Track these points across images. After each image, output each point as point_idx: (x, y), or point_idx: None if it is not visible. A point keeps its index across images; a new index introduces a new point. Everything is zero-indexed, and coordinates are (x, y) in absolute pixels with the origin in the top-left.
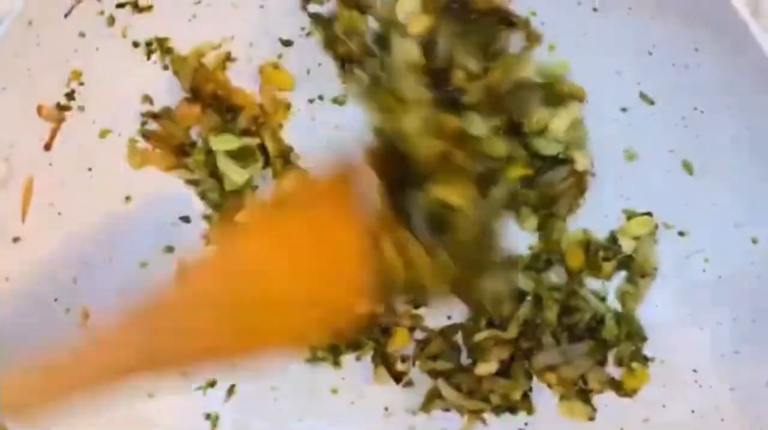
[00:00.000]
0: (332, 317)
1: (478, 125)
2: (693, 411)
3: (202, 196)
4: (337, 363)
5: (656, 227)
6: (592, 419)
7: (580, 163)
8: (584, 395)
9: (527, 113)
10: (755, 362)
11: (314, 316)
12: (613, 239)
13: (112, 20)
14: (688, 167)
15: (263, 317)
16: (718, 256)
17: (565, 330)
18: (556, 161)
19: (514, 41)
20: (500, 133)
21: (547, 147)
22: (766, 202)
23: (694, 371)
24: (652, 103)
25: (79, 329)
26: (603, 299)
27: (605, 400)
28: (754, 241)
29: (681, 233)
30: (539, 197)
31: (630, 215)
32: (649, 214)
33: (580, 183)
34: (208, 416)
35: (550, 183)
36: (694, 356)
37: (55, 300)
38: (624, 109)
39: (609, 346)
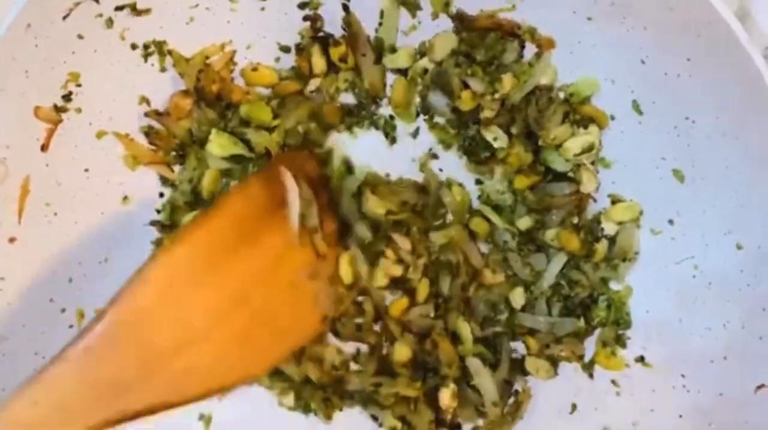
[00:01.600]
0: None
1: (500, 138)
2: (681, 416)
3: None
4: (328, 417)
5: (641, 213)
6: (551, 377)
7: (586, 186)
8: (552, 359)
9: (543, 124)
10: (744, 367)
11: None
12: (597, 221)
13: (110, 23)
14: (678, 175)
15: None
16: (708, 262)
17: (560, 301)
18: (564, 177)
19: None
20: (519, 142)
21: (558, 163)
22: (755, 210)
23: (683, 376)
24: (643, 112)
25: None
26: (605, 282)
27: (595, 403)
28: (739, 247)
29: (671, 240)
30: (537, 202)
31: (615, 200)
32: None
33: (580, 203)
34: (201, 417)
35: (551, 194)
36: (684, 361)
37: (51, 300)
38: (615, 118)
39: (594, 329)
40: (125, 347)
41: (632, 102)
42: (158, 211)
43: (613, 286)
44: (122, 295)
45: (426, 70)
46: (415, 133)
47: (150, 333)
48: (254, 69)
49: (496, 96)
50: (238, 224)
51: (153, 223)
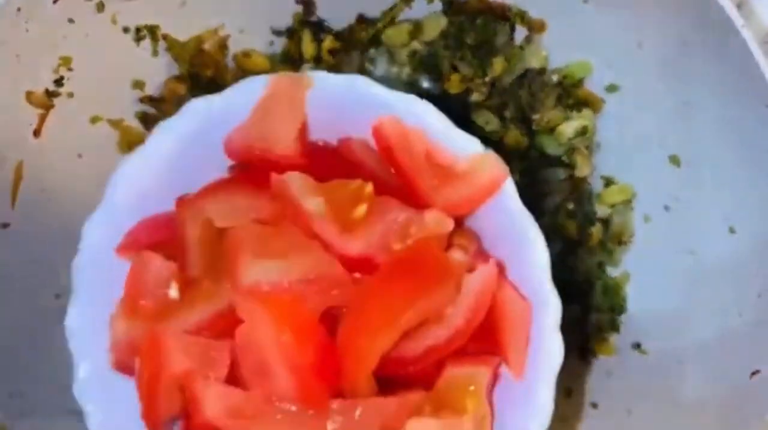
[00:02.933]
0: None
1: (491, 122)
2: (676, 402)
3: None
4: None
5: (634, 195)
6: None
7: (581, 170)
8: None
9: (537, 108)
10: (739, 354)
11: None
12: (591, 205)
13: (101, 6)
14: (675, 160)
15: None
16: (704, 249)
17: (556, 287)
18: (558, 162)
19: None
20: (513, 125)
21: (552, 147)
22: (752, 195)
23: (678, 362)
24: (641, 96)
25: None
26: (601, 267)
27: (590, 389)
28: (735, 233)
29: (668, 226)
30: (531, 188)
31: (608, 183)
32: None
33: (576, 188)
34: None
35: (545, 180)
36: (678, 347)
37: (45, 287)
38: (611, 102)
39: (590, 315)
40: None
41: (630, 86)
42: None
43: (611, 272)
44: None
45: (414, 53)
46: None
47: None
48: (246, 55)
49: (486, 79)
50: None
51: None
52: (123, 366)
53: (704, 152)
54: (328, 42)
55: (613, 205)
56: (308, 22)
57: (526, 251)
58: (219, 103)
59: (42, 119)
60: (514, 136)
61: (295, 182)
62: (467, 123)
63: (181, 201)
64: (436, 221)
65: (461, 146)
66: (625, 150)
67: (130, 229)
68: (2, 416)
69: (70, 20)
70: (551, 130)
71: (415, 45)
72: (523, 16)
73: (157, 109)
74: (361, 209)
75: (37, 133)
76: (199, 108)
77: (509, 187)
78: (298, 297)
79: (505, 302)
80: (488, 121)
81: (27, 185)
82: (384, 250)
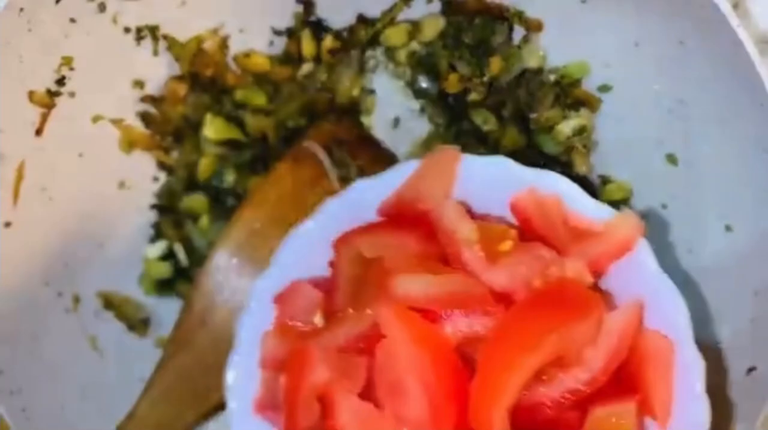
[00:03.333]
0: None
1: (489, 121)
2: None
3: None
4: None
5: (631, 194)
6: None
7: (579, 169)
8: None
9: (535, 107)
10: (736, 351)
11: None
12: None
13: (102, 6)
14: (672, 159)
15: None
16: (701, 247)
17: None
18: (556, 161)
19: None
20: (511, 124)
21: (550, 146)
22: (749, 193)
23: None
24: (638, 95)
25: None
26: None
27: None
28: (732, 231)
29: (665, 224)
30: None
31: (605, 181)
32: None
33: None
34: None
35: None
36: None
37: (47, 284)
38: (609, 101)
39: None
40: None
41: (627, 85)
42: (157, 196)
43: None
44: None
45: (413, 53)
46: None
47: None
48: (247, 55)
49: (484, 79)
50: (272, 210)
51: (153, 206)
52: (267, 405)
53: (701, 151)
54: (327, 42)
55: (610, 204)
56: (308, 22)
57: (664, 310)
58: (376, 184)
59: (44, 118)
60: (511, 135)
61: (451, 210)
62: (465, 122)
63: (338, 239)
64: (576, 269)
65: (595, 213)
66: (622, 149)
67: (289, 285)
68: (3, 415)
69: (72, 20)
70: (549, 129)
71: (414, 45)
72: (520, 16)
73: (158, 108)
74: (507, 244)
75: (39, 132)
76: (359, 189)
77: (644, 247)
78: (440, 318)
79: (645, 341)
80: (486, 120)
81: (29, 184)
82: (525, 286)
